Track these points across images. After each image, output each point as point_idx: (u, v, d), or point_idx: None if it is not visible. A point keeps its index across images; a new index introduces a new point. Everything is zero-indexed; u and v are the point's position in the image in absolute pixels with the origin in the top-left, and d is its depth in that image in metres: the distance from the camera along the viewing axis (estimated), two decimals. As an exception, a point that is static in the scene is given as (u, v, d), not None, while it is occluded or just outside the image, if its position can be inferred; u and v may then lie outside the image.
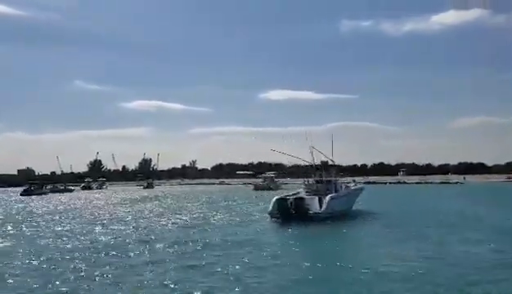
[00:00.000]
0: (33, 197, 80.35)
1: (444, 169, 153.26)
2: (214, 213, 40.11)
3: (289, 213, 31.01)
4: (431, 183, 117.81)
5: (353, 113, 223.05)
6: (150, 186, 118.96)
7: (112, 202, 62.89)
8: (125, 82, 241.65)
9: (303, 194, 33.90)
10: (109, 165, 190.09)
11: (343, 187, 36.88)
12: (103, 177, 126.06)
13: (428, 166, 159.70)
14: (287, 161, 47.60)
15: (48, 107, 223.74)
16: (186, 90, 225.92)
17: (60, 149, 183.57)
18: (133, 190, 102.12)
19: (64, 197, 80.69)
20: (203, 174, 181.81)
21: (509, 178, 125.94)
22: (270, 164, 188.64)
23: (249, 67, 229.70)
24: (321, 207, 31.16)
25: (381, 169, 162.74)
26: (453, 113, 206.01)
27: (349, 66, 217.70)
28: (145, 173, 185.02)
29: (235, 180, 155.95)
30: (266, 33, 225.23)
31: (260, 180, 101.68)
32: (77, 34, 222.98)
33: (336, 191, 34.27)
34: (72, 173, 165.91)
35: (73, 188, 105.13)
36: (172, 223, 32.88)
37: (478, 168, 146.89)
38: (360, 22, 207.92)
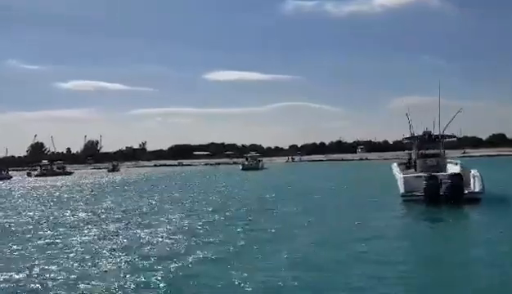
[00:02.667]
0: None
1: (399, 146, 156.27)
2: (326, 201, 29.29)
3: (439, 194, 23.41)
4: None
5: (297, 95, 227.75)
6: (115, 169, 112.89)
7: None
8: (61, 61, 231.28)
9: (456, 170, 26.09)
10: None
11: None
12: (49, 160, 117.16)
13: (385, 143, 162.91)
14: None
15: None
16: (127, 69, 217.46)
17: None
18: (99, 174, 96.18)
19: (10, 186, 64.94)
20: (158, 156, 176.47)
21: (465, 153, 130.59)
22: (224, 144, 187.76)
23: (193, 46, 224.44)
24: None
25: (339, 147, 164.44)
26: (390, 94, 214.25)
27: (294, 47, 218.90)
28: (96, 156, 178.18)
29: (196, 161, 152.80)
30: (210, 13, 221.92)
31: (242, 159, 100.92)
32: (9, 12, 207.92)
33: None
34: (13, 157, 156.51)
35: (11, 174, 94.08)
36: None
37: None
38: (304, 2, 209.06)
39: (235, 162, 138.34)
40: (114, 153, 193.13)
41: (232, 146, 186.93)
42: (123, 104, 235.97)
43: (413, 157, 29.99)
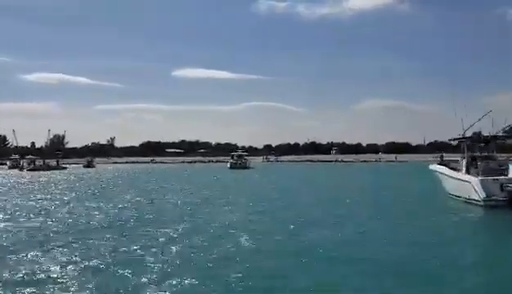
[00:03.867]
0: None
1: (373, 148, 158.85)
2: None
3: None
4: (381, 161, 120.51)
5: (266, 94, 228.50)
6: (90, 165, 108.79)
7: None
8: (25, 52, 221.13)
9: None
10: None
11: None
12: (19, 154, 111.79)
13: (358, 145, 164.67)
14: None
15: None
16: (93, 62, 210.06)
17: None
18: (73, 170, 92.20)
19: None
20: (127, 152, 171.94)
21: (441, 157, 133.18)
22: (198, 142, 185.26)
23: (163, 42, 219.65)
24: None
25: (313, 148, 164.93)
26: (358, 96, 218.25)
27: (264, 47, 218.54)
28: (62, 151, 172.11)
29: (169, 158, 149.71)
30: (184, 10, 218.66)
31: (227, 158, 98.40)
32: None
33: None
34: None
35: None
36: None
37: (405, 148, 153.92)
38: (277, 2, 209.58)
39: (210, 161, 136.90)
40: (81, 148, 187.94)
41: (205, 144, 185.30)
42: (89, 99, 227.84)
43: (462, 159, 28.51)
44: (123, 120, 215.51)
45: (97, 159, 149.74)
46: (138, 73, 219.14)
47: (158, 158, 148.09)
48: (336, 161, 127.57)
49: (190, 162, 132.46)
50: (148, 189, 40.58)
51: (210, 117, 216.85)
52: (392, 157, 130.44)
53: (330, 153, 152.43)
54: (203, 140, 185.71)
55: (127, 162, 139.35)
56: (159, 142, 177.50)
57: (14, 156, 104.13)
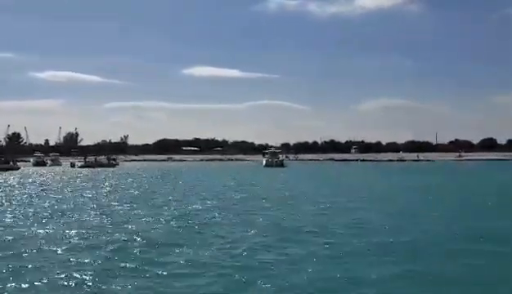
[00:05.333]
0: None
1: (392, 147, 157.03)
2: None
3: None
4: (402, 160, 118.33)
5: (272, 93, 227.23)
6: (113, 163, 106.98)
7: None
8: (36, 49, 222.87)
9: None
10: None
11: None
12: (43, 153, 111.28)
13: (378, 144, 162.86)
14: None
15: None
16: (102, 60, 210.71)
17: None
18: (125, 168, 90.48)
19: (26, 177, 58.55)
20: (142, 150, 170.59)
21: (460, 156, 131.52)
22: (214, 140, 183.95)
23: (173, 41, 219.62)
24: None
25: (331, 147, 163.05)
26: (365, 95, 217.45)
27: (274, 45, 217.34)
28: (79, 149, 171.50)
29: (185, 156, 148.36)
30: (193, 8, 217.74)
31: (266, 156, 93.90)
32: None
33: None
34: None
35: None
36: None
37: (424, 147, 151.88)
38: (287, 1, 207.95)
39: (229, 159, 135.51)
40: (94, 145, 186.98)
41: (221, 142, 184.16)
42: (97, 97, 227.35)
43: None
44: (131, 118, 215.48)
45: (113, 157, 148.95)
46: (147, 71, 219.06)
47: (175, 156, 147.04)
48: (359, 160, 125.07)
49: (209, 160, 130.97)
50: (251, 189, 35.63)
51: (217, 115, 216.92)
52: (413, 155, 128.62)
53: (349, 152, 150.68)
54: (207, 137, 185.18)
55: (144, 160, 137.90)
56: (176, 140, 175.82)
57: (37, 153, 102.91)
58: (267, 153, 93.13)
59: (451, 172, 66.75)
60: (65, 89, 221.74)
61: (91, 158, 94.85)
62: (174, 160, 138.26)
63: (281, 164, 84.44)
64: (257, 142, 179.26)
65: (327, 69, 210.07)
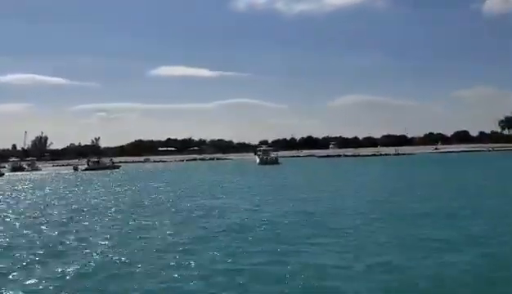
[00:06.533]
0: None
1: (370, 142, 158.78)
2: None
3: None
4: (386, 154, 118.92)
5: (245, 91, 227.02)
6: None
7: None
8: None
9: None
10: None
11: None
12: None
13: (356, 139, 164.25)
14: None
15: None
16: (67, 61, 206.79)
17: None
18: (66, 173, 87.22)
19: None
20: (117, 152, 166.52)
21: (437, 149, 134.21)
22: (190, 140, 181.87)
23: (138, 40, 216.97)
24: None
25: (309, 143, 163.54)
26: (333, 92, 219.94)
27: (243, 44, 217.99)
28: (52, 153, 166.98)
29: (164, 157, 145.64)
30: (161, 7, 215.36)
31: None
32: None
33: None
34: None
35: None
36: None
37: (400, 141, 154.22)
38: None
39: (212, 158, 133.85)
40: (62, 149, 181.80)
41: (194, 142, 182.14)
42: (64, 99, 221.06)
43: None
44: (99, 120, 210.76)
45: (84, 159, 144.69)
46: (114, 72, 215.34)
47: (152, 157, 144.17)
48: (342, 155, 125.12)
49: (189, 160, 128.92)
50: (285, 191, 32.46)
51: (188, 115, 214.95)
52: (391, 150, 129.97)
53: (327, 148, 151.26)
54: (181, 137, 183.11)
55: (120, 162, 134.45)
56: (151, 141, 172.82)
57: (13, 159, 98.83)
58: (259, 151, 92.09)
59: (449, 165, 67.56)
60: (30, 92, 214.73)
61: (93, 161, 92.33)
62: (151, 161, 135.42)
63: (276, 161, 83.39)
64: (235, 140, 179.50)
65: (297, 66, 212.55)
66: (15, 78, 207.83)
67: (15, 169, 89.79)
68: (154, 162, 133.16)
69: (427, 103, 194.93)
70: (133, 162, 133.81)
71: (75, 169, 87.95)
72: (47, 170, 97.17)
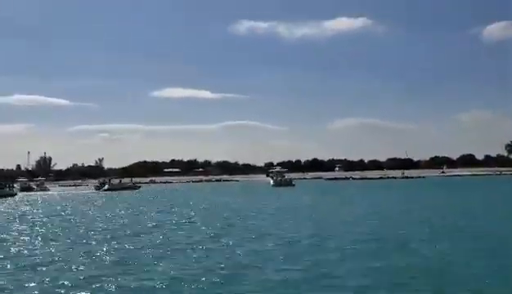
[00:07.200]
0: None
1: (375, 164, 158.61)
2: None
3: None
4: (393, 178, 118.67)
5: (245, 113, 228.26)
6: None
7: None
8: (2, 72, 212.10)
9: None
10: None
11: None
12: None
13: (361, 161, 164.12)
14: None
15: None
16: (70, 82, 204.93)
17: None
18: (89, 193, 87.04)
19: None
20: (121, 173, 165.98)
21: (444, 172, 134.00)
22: (195, 161, 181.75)
23: (141, 62, 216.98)
24: None
25: (314, 166, 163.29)
26: (333, 115, 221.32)
27: (245, 67, 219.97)
28: (56, 173, 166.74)
29: (169, 178, 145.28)
30: (163, 30, 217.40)
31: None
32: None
33: None
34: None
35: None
36: None
37: (406, 164, 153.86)
38: (258, 23, 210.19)
39: (219, 179, 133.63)
40: (66, 170, 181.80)
41: (203, 163, 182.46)
42: (66, 120, 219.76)
43: None
44: (101, 141, 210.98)
45: (91, 180, 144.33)
46: (116, 93, 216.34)
47: (157, 179, 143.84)
48: (346, 178, 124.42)
49: (196, 182, 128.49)
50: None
51: (189, 136, 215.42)
52: (398, 173, 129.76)
53: (332, 171, 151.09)
54: (183, 159, 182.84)
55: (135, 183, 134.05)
56: (156, 162, 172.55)
57: (21, 179, 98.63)
58: (272, 173, 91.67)
59: (465, 188, 66.57)
60: (32, 113, 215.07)
61: (115, 181, 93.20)
62: (158, 182, 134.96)
63: (290, 183, 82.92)
64: (238, 162, 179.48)
65: (297, 88, 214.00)
66: (17, 99, 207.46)
67: (23, 189, 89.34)
68: (161, 183, 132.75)
69: (426, 126, 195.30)
70: (140, 183, 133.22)
71: (98, 189, 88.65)
72: (55, 190, 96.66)
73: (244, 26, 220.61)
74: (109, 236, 22.99)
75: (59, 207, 46.15)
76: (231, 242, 20.01)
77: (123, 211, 38.80)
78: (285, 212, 34.08)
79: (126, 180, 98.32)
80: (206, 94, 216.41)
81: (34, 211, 42.89)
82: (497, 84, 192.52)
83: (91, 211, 40.30)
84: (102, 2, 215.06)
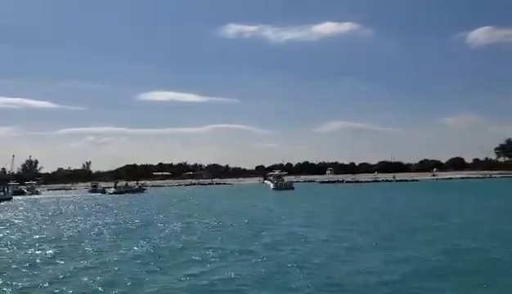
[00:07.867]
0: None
1: (366, 168, 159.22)
2: None
3: None
4: (387, 181, 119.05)
5: (232, 116, 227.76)
6: (98, 190, 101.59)
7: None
8: None
9: None
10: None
11: None
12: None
13: (352, 164, 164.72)
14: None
15: None
16: (55, 85, 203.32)
17: None
18: (81, 196, 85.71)
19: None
20: (117, 176, 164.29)
21: (434, 175, 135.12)
22: (185, 164, 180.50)
23: (128, 65, 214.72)
24: None
25: (306, 168, 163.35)
26: (319, 119, 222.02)
27: (231, 69, 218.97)
28: (35, 176, 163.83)
29: (158, 181, 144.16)
30: (150, 33, 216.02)
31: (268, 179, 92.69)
32: None
33: None
34: None
35: None
36: None
37: (397, 167, 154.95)
38: (246, 27, 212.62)
39: (212, 183, 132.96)
40: (52, 173, 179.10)
41: (184, 166, 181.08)
42: (51, 123, 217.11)
43: None
44: (87, 144, 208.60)
45: (81, 184, 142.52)
46: (102, 96, 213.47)
47: (148, 182, 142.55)
48: (339, 181, 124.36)
49: (187, 185, 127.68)
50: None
51: (176, 139, 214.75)
52: (389, 176, 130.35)
53: (323, 173, 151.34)
54: (170, 162, 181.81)
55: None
56: (146, 165, 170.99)
57: (12, 182, 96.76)
58: (270, 176, 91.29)
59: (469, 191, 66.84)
60: (16, 115, 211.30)
61: (122, 184, 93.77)
62: (149, 186, 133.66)
63: (291, 187, 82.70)
64: (226, 165, 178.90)
65: (285, 93, 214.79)
66: (2, 102, 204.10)
67: (16, 193, 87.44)
68: (153, 186, 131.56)
69: (413, 129, 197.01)
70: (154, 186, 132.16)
71: (103, 192, 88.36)
72: (47, 194, 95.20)
73: (232, 29, 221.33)
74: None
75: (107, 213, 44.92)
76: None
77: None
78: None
79: (132, 183, 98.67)
80: (193, 97, 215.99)
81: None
82: (484, 88, 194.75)
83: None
84: (89, 6, 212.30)
